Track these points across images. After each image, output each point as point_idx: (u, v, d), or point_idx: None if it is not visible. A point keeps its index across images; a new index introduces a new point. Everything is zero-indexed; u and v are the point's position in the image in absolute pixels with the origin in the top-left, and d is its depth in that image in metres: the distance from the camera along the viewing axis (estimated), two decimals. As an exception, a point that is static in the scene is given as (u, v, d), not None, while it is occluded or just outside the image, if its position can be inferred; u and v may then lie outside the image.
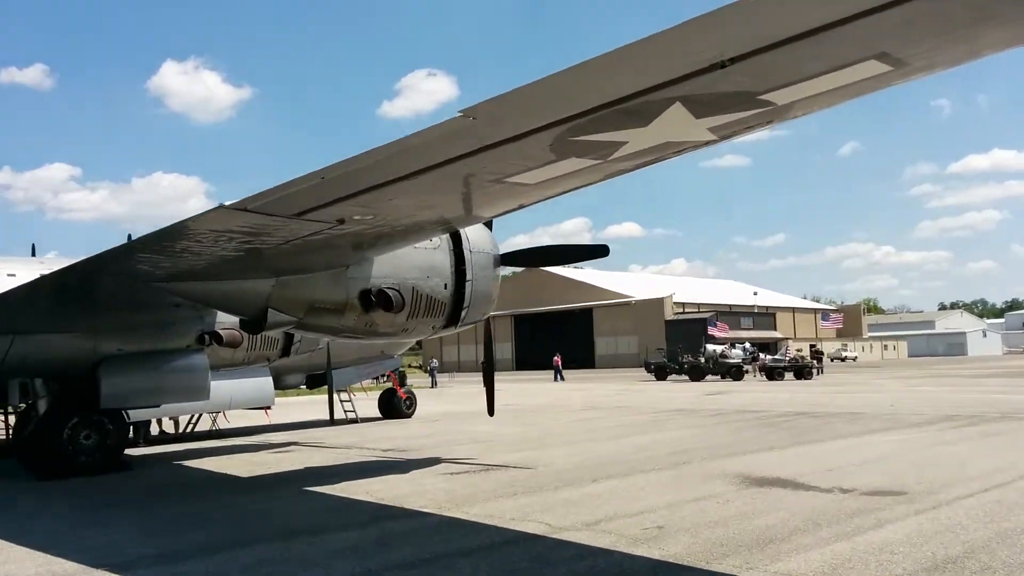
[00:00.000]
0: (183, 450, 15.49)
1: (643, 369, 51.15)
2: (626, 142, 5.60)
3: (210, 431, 18.39)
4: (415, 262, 10.44)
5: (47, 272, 10.65)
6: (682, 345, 49.23)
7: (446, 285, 10.77)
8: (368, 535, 7.25)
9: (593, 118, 4.98)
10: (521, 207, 8.03)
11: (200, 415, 18.23)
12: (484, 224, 12.17)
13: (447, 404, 27.36)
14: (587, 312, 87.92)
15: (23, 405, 13.19)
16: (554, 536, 6.90)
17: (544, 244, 12.29)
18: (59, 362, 11.97)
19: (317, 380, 19.72)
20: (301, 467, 12.17)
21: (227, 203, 6.34)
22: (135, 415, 15.68)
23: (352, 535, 7.26)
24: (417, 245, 10.46)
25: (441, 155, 5.51)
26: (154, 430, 18.41)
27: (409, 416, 21.62)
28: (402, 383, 22.39)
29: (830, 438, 13.76)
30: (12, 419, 15.67)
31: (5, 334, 11.37)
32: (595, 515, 7.70)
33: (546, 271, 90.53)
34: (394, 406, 21.68)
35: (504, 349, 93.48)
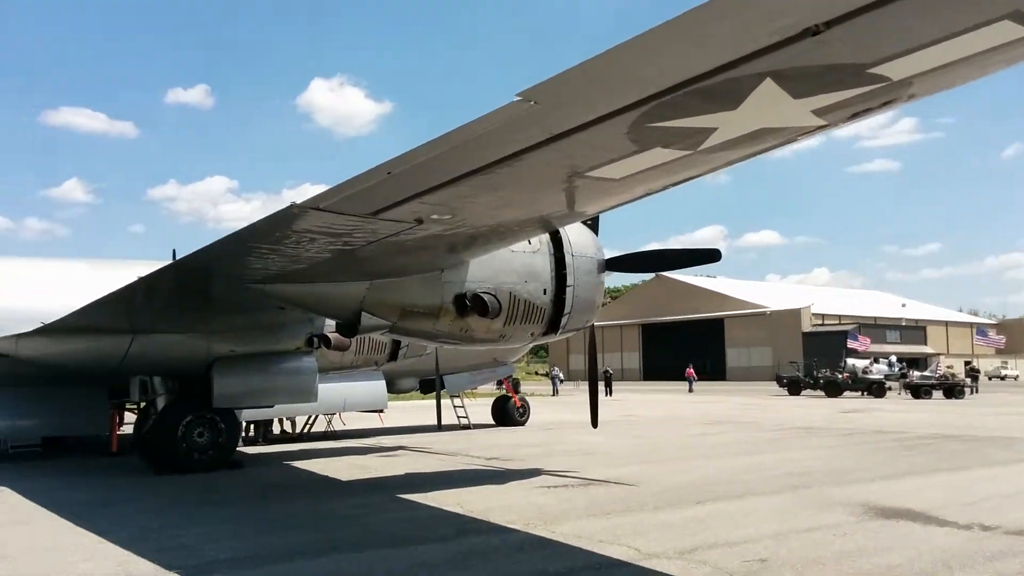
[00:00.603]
0: (297, 450, 15.76)
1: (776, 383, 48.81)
2: (715, 128, 5.00)
3: (325, 432, 18.72)
4: (512, 266, 10.08)
5: None
6: (816, 359, 46.68)
7: (545, 290, 10.35)
8: (447, 550, 6.90)
9: (669, 100, 4.42)
10: (614, 206, 7.52)
11: (316, 416, 18.59)
12: (588, 227, 11.70)
13: (564, 413, 26.95)
14: (718, 322, 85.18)
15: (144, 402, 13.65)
16: (641, 564, 6.32)
17: (653, 249, 11.59)
18: (175, 361, 12.38)
19: (431, 385, 19.71)
20: (402, 472, 12.03)
21: (298, 201, 6.15)
22: (257, 415, 16.22)
23: (431, 549, 6.94)
24: (514, 248, 10.10)
25: (508, 147, 5.09)
26: (275, 429, 18.96)
27: (522, 424, 21.32)
28: (516, 390, 22.11)
29: (976, 465, 12.38)
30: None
31: (126, 333, 11.86)
32: (692, 542, 7.06)
33: (676, 279, 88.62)
34: (507, 413, 21.44)
35: (631, 358, 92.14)
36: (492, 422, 21.55)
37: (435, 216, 6.72)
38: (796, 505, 8.87)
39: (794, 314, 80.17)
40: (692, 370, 52.38)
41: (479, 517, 8.28)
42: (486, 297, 9.73)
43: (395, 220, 6.73)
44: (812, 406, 31.71)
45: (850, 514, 8.28)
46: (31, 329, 11.48)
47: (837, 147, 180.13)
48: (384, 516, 8.46)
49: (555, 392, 45.94)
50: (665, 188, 6.80)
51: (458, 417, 20.54)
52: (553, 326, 10.58)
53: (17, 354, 11.97)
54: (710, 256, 10.90)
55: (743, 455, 13.89)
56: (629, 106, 4.53)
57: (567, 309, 10.59)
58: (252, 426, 17.62)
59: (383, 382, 17.57)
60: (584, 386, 50.98)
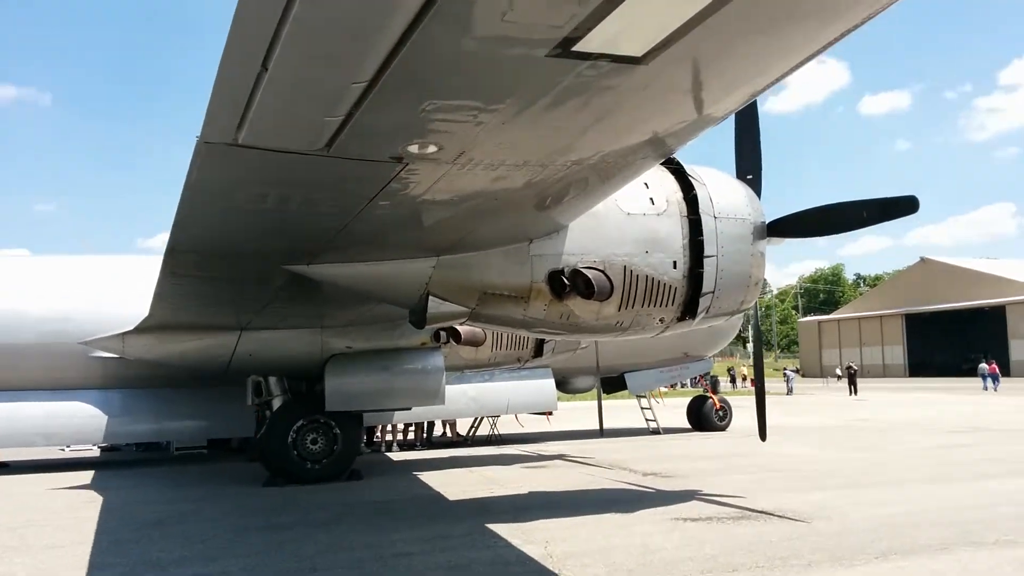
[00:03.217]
0: (447, 457, 14.39)
1: (1073, 379, 40.50)
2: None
3: (489, 437, 17.23)
4: (627, 233, 7.77)
5: None
6: None
7: (675, 263, 7.92)
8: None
9: None
10: (684, 125, 5.03)
11: (481, 419, 17.18)
12: (744, 181, 9.07)
13: (782, 416, 23.19)
14: (999, 310, 73.74)
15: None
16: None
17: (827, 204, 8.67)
18: (286, 360, 11.35)
19: (614, 383, 17.54)
20: (526, 491, 10.10)
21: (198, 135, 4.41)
22: (413, 417, 15.12)
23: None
24: (630, 210, 7.83)
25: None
26: (448, 433, 17.87)
27: (722, 429, 18.34)
28: (715, 389, 19.23)
29: None
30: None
31: (232, 330, 10.99)
32: (831, 636, 4.49)
33: (945, 263, 78.46)
34: (704, 417, 18.56)
35: (894, 353, 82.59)
36: (688, 427, 18.87)
37: (415, 149, 4.69)
38: (1040, 570, 5.80)
39: (1099, 297, 67.48)
40: (995, 365, 43.10)
41: (549, 567, 6.15)
42: (590, 273, 7.51)
43: (362, 159, 4.82)
44: (1118, 409, 25.32)
45: None
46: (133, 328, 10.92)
47: None
48: (434, 559, 6.56)
49: (789, 391, 41.37)
50: (742, 97, 4.26)
51: (646, 420, 18.15)
52: (690, 310, 8.13)
53: (126, 354, 11.53)
54: (906, 206, 7.87)
55: (990, 478, 10.35)
56: None
57: (709, 287, 8.09)
58: (411, 429, 16.58)
59: (551, 381, 15.71)
60: (831, 383, 45.45)
